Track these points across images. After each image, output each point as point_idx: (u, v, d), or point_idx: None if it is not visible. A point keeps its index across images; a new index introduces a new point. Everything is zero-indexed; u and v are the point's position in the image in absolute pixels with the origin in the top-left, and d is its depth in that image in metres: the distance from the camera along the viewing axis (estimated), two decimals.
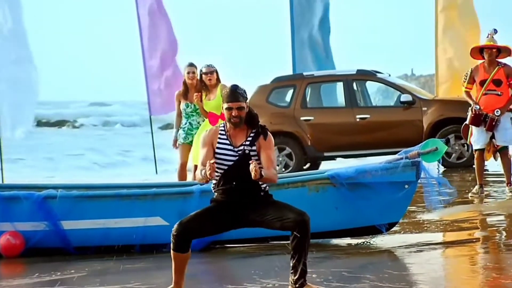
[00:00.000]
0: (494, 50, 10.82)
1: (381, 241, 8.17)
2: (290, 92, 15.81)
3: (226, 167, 5.80)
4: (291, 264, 5.73)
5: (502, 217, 9.61)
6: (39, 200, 7.96)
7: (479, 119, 10.73)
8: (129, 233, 7.98)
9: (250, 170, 5.59)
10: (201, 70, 10.86)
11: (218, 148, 5.82)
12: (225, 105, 5.82)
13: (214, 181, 5.89)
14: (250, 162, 5.64)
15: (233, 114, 5.78)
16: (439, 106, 15.29)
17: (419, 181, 7.91)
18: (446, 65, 16.64)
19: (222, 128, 5.91)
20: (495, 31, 10.91)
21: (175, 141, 11.28)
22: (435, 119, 15.08)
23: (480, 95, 10.83)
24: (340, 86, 15.87)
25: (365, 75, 15.80)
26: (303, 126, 15.42)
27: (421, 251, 7.71)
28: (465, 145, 14.49)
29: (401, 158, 7.85)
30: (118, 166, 22.25)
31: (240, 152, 5.79)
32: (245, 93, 5.86)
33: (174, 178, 11.63)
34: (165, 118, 25.55)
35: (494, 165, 12.18)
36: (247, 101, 5.87)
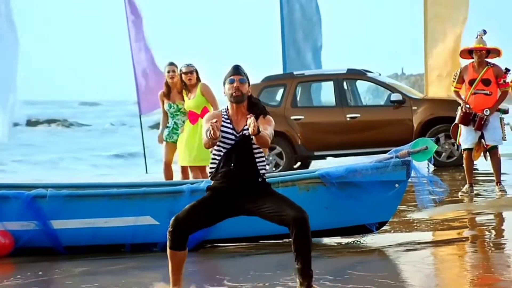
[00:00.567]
0: (483, 51, 10.84)
1: (371, 240, 8.18)
2: (281, 91, 15.81)
3: (227, 151, 5.71)
4: (296, 266, 5.64)
5: (491, 216, 9.64)
6: (28, 200, 7.94)
7: (468, 118, 10.76)
8: (119, 232, 7.96)
9: (248, 125, 5.50)
10: (180, 70, 10.83)
11: (222, 131, 5.70)
12: (228, 80, 5.71)
13: (212, 165, 5.79)
14: (248, 116, 5.55)
15: (235, 85, 5.68)
16: (429, 105, 15.32)
17: (409, 180, 7.92)
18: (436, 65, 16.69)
19: (225, 113, 5.81)
20: (484, 32, 10.93)
21: (161, 137, 11.27)
22: (425, 118, 15.11)
23: (469, 95, 10.86)
24: (330, 85, 15.88)
25: (355, 74, 15.82)
26: (293, 125, 15.42)
27: (411, 250, 7.72)
28: (455, 144, 14.52)
29: (391, 157, 7.86)
30: (108, 165, 22.21)
31: (240, 135, 5.72)
32: (246, 74, 5.78)
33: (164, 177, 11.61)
34: (156, 118, 25.53)
35: (483, 164, 12.21)
36: (249, 83, 5.78)
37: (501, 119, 10.92)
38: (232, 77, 5.71)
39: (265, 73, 16.08)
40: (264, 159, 5.80)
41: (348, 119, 15.36)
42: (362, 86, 17.50)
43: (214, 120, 5.53)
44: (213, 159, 5.80)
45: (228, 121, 5.77)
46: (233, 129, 5.74)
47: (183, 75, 10.75)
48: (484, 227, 8.98)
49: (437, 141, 12.21)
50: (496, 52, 10.92)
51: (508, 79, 10.82)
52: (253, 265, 7.39)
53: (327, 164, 15.22)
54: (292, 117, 15.45)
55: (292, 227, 5.57)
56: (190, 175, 10.81)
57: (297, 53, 19.72)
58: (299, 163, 15.94)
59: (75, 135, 37.03)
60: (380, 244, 8.01)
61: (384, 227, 8.35)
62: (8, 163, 21.69)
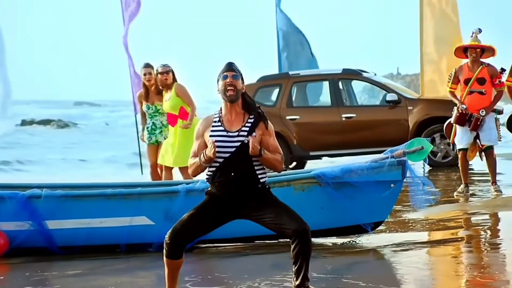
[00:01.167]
0: (478, 50, 10.84)
1: (367, 240, 8.18)
2: (276, 91, 15.80)
3: (222, 156, 5.56)
4: (293, 269, 5.57)
5: (487, 216, 9.64)
6: (23, 200, 7.92)
7: (464, 119, 10.76)
8: (114, 232, 7.95)
9: (249, 145, 5.44)
10: (157, 70, 10.79)
11: (211, 136, 5.57)
12: (221, 76, 5.58)
13: (209, 173, 5.66)
14: (248, 137, 5.46)
15: (228, 81, 5.54)
16: (425, 105, 15.32)
17: (404, 180, 7.92)
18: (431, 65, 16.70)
19: (216, 115, 5.66)
20: (480, 30, 10.93)
21: (143, 135, 11.31)
22: (421, 118, 15.11)
23: (465, 94, 10.86)
24: (326, 85, 15.87)
25: (351, 74, 15.82)
26: (289, 125, 15.41)
27: (406, 250, 7.72)
28: (451, 144, 14.53)
29: (387, 157, 7.86)
30: (103, 166, 22.19)
31: (236, 138, 5.55)
32: (242, 73, 5.66)
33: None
34: None
35: (479, 164, 12.22)
36: (243, 80, 5.64)
37: (497, 120, 10.93)
38: (225, 73, 5.59)
39: (260, 73, 16.09)
40: (264, 166, 5.69)
41: (343, 119, 15.36)
42: (357, 86, 17.51)
43: (213, 139, 5.47)
44: (214, 164, 5.64)
45: (219, 124, 5.62)
46: (224, 130, 5.59)
47: (159, 75, 10.67)
48: (480, 227, 8.98)
49: (432, 141, 12.22)
50: (491, 51, 10.92)
51: (503, 79, 10.83)
52: (249, 265, 7.39)
53: (322, 164, 15.21)
54: (288, 117, 15.45)
55: (293, 239, 5.50)
56: (163, 175, 10.80)
57: (293, 53, 19.71)
58: (294, 163, 15.93)
59: (71, 135, 36.99)
60: (376, 244, 8.01)
61: (380, 227, 8.35)
62: (3, 163, 21.65)
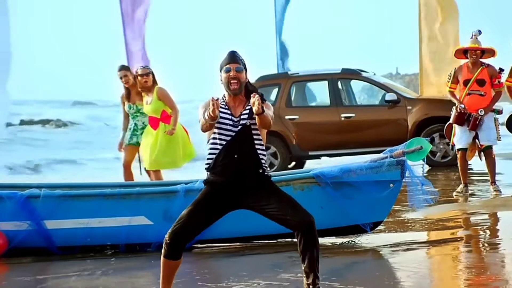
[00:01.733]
0: (478, 52, 10.83)
1: (366, 240, 8.17)
2: (275, 91, 15.79)
3: (226, 139, 5.49)
4: (303, 268, 5.46)
5: (486, 216, 9.64)
6: (22, 200, 7.91)
7: (463, 118, 10.76)
8: (113, 232, 7.94)
9: (252, 104, 5.35)
10: (136, 72, 10.76)
11: (221, 118, 5.49)
12: (224, 68, 5.51)
13: (210, 157, 5.54)
14: (252, 95, 5.37)
15: (231, 75, 5.47)
16: (424, 105, 15.32)
17: (403, 180, 7.91)
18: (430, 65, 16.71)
19: (222, 100, 5.59)
20: (479, 32, 10.92)
21: (121, 144, 11.14)
22: (420, 118, 15.11)
23: (463, 95, 10.86)
24: (325, 85, 15.87)
25: (350, 74, 15.82)
26: (288, 125, 15.41)
27: (405, 250, 7.72)
28: (450, 144, 14.52)
29: (386, 157, 7.85)
30: (102, 166, 22.17)
31: (239, 124, 5.49)
32: (243, 60, 5.57)
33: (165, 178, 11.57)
34: None
35: (478, 164, 12.22)
36: (247, 70, 5.57)
37: (496, 119, 10.92)
38: (228, 65, 5.50)
39: (259, 73, 16.08)
40: (264, 148, 5.59)
41: (342, 118, 15.35)
42: (356, 85, 17.51)
43: (216, 98, 5.35)
44: (210, 149, 5.55)
45: (226, 107, 5.56)
46: (231, 114, 5.53)
47: (138, 77, 10.61)
48: (479, 227, 8.97)
49: (431, 141, 12.22)
50: (491, 52, 10.92)
51: (502, 79, 10.83)
52: (247, 265, 7.38)
53: (322, 164, 15.21)
54: (287, 117, 15.44)
55: (298, 231, 5.41)
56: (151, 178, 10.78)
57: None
58: (293, 163, 15.93)
59: (69, 135, 36.98)
60: (375, 244, 8.00)
61: (379, 227, 8.34)
62: (2, 163, 21.63)
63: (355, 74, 15.84)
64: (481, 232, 8.67)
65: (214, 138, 5.54)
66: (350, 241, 8.15)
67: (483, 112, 10.73)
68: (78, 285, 6.74)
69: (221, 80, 5.57)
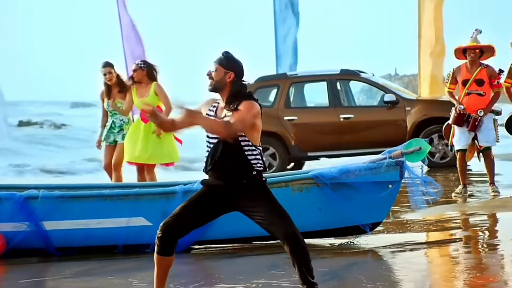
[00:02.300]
0: (477, 50, 10.83)
1: (365, 241, 8.17)
2: (274, 91, 15.78)
3: (213, 141, 5.49)
4: (296, 273, 5.47)
5: (485, 217, 9.63)
6: (20, 201, 7.90)
7: (462, 119, 10.75)
8: (112, 233, 7.93)
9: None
10: (138, 65, 10.80)
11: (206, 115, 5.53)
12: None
13: (205, 160, 5.56)
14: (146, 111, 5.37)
15: (207, 73, 5.52)
16: (423, 105, 15.32)
17: (402, 181, 7.91)
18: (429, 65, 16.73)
19: (217, 101, 5.61)
20: (480, 31, 10.92)
21: (100, 141, 11.11)
22: (419, 119, 15.11)
23: (463, 95, 10.85)
24: (323, 85, 15.85)
25: (348, 75, 15.81)
26: (286, 126, 15.40)
27: (404, 251, 7.71)
28: (449, 145, 14.52)
29: (385, 158, 7.85)
30: (100, 167, 22.14)
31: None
32: (232, 62, 5.52)
33: (160, 179, 11.55)
34: None
35: (477, 165, 12.22)
36: (231, 70, 5.50)
37: (495, 120, 10.91)
38: (212, 64, 5.55)
39: (258, 74, 16.07)
40: (256, 151, 5.52)
41: (341, 119, 15.35)
42: (355, 86, 17.50)
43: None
44: (206, 151, 5.58)
45: (214, 108, 5.57)
46: (215, 116, 5.53)
47: (133, 72, 10.71)
48: (478, 228, 8.97)
49: (430, 142, 12.21)
50: (490, 51, 10.90)
51: (501, 80, 10.82)
52: (246, 266, 7.37)
53: (320, 165, 15.20)
54: (286, 118, 15.43)
55: (283, 242, 5.42)
56: (147, 176, 10.76)
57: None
58: (292, 164, 15.92)
59: (67, 135, 36.97)
60: (374, 245, 8.00)
61: (378, 228, 8.34)
62: (1, 164, 21.62)
63: (354, 75, 15.84)
64: (480, 233, 8.67)
65: (206, 141, 5.58)
66: (349, 242, 8.15)
67: (482, 113, 10.72)
68: (76, 286, 6.73)
69: None
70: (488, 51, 10.91)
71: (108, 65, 11.05)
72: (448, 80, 11.01)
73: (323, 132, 15.37)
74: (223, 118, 5.49)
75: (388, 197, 7.93)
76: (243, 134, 5.47)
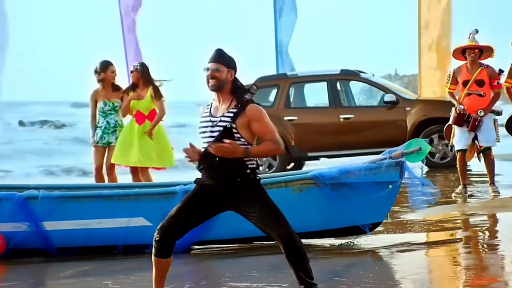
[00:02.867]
0: (476, 50, 10.82)
1: (365, 241, 8.16)
2: (274, 92, 15.78)
3: (206, 141, 5.49)
4: (293, 273, 5.48)
5: (485, 217, 9.63)
6: (20, 201, 7.90)
7: (462, 119, 10.75)
8: (111, 233, 7.93)
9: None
10: (135, 67, 10.81)
11: (200, 122, 5.57)
12: (205, 67, 5.54)
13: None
14: (209, 147, 5.38)
15: (208, 74, 5.50)
16: (423, 106, 15.32)
17: (402, 181, 7.91)
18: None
19: (211, 102, 5.61)
20: (477, 31, 10.92)
21: (94, 141, 11.02)
22: (419, 119, 15.11)
23: (463, 96, 10.85)
24: (323, 86, 15.85)
25: (348, 75, 15.80)
26: (286, 126, 15.40)
27: (404, 251, 7.71)
28: (449, 145, 14.52)
29: (385, 158, 7.85)
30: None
31: (217, 125, 5.46)
32: (230, 60, 5.54)
33: (157, 179, 11.54)
34: None
35: (477, 165, 12.21)
36: (232, 69, 5.52)
37: (495, 121, 10.91)
38: (208, 65, 5.52)
39: (258, 74, 16.07)
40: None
41: (341, 120, 15.34)
42: (355, 86, 17.49)
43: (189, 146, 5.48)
44: (202, 148, 5.59)
45: (207, 109, 5.57)
46: (210, 115, 5.53)
47: (138, 72, 10.72)
48: (478, 228, 8.97)
49: (430, 142, 12.20)
50: (489, 51, 10.90)
51: (501, 81, 10.82)
52: (247, 266, 7.37)
53: (320, 165, 15.20)
54: (286, 118, 15.43)
55: (278, 243, 5.42)
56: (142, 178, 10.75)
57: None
58: (292, 164, 15.91)
59: (67, 136, 36.98)
60: (374, 245, 8.00)
61: (378, 228, 8.33)
62: (0, 165, 21.61)
63: (354, 75, 15.83)
64: (480, 233, 8.66)
65: (202, 142, 5.57)
66: (349, 242, 8.14)
67: (482, 113, 10.72)
68: (76, 286, 6.73)
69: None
70: (487, 51, 10.91)
71: (112, 64, 11.07)
72: (449, 80, 11.01)
73: (323, 132, 15.36)
74: (221, 116, 5.47)
75: (388, 197, 7.93)
76: (238, 132, 5.46)
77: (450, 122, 10.90)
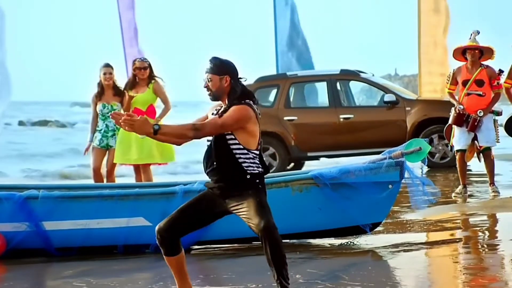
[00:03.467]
0: (476, 51, 10.83)
1: (365, 241, 8.17)
2: (274, 92, 15.79)
3: (207, 144, 5.51)
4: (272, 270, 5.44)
5: (485, 217, 9.63)
6: (20, 201, 7.89)
7: (462, 119, 10.76)
8: (111, 233, 7.93)
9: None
10: (134, 63, 10.80)
11: None
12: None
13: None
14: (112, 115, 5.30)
15: (204, 85, 5.52)
16: (423, 106, 15.32)
17: (402, 181, 7.91)
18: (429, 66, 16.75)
19: (221, 104, 5.59)
20: (478, 32, 10.92)
21: (88, 148, 10.96)
22: (419, 119, 15.11)
23: (462, 95, 10.86)
24: (323, 86, 15.86)
25: (348, 75, 15.81)
26: (286, 126, 15.40)
27: (404, 251, 7.71)
28: (449, 145, 14.52)
29: (385, 158, 7.85)
30: None
31: None
32: (222, 66, 5.47)
33: (157, 179, 11.56)
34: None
35: (477, 165, 12.22)
36: (225, 74, 5.46)
37: (495, 121, 10.92)
38: (204, 75, 5.51)
39: (258, 74, 16.07)
40: (250, 155, 5.45)
41: (341, 120, 15.35)
42: (355, 86, 17.50)
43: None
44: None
45: (215, 112, 5.55)
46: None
47: (136, 70, 10.69)
48: (478, 228, 8.97)
49: (430, 142, 12.21)
50: (490, 52, 10.90)
51: (501, 81, 10.83)
52: (247, 266, 7.37)
53: (320, 165, 15.20)
54: (286, 118, 15.43)
55: (259, 237, 5.33)
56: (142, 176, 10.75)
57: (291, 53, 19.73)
58: (292, 164, 15.92)
59: (67, 134, 36.99)
60: (374, 245, 8.00)
61: (378, 228, 8.33)
62: (0, 164, 21.61)
63: (354, 75, 15.84)
64: (480, 233, 8.67)
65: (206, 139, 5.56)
66: (349, 242, 8.15)
67: (482, 113, 10.73)
68: (76, 286, 6.73)
69: None
70: (487, 52, 10.91)
71: (110, 66, 11.05)
72: (449, 81, 11.02)
73: (323, 132, 15.37)
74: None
75: (388, 197, 7.93)
76: (234, 138, 5.44)
77: (449, 122, 10.91)
